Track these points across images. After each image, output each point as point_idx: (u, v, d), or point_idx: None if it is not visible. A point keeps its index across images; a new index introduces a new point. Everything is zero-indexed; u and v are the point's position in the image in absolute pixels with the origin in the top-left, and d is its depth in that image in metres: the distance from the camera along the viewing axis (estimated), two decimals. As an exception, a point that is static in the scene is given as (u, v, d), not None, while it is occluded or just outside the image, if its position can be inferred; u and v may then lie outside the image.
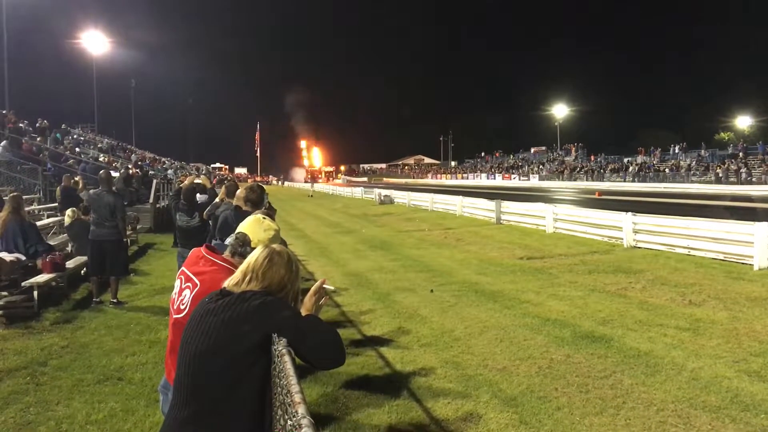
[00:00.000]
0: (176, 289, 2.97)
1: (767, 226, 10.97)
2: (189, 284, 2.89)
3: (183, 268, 3.00)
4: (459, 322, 7.91)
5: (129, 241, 13.98)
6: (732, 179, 47.45)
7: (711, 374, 5.76)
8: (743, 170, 48.22)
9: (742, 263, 11.33)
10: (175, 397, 2.25)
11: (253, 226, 2.99)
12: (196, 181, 11.37)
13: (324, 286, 2.47)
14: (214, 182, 14.00)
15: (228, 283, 2.34)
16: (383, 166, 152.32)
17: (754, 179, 45.91)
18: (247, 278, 2.30)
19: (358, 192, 50.28)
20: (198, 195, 9.25)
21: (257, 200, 5.27)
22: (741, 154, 53.74)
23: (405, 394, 5.49)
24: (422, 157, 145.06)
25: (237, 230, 3.02)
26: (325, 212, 32.41)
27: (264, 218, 3.07)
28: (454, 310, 8.59)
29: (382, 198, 38.23)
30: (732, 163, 51.37)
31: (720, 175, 49.42)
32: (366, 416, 5.02)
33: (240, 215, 4.87)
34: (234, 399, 2.10)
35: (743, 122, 77.21)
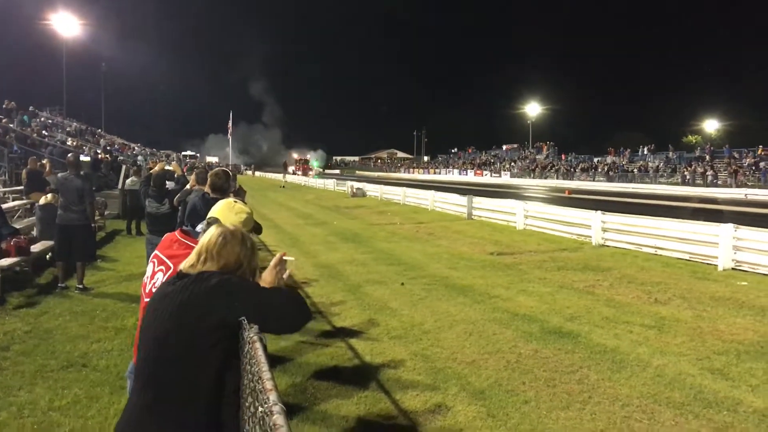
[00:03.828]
0: (149, 273, 2.93)
1: (731, 228, 11.19)
2: (162, 267, 2.84)
3: (156, 251, 2.96)
4: (429, 316, 7.93)
5: (97, 226, 13.76)
6: (698, 181, 48.30)
7: (675, 371, 5.87)
8: (709, 173, 49.14)
9: (707, 263, 11.55)
10: (135, 381, 2.22)
11: (224, 210, 2.96)
12: (167, 167, 11.22)
13: (284, 258, 2.44)
14: (184, 169, 13.83)
15: (184, 265, 2.31)
16: (356, 158, 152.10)
17: (719, 182, 46.82)
18: (202, 258, 2.28)
19: (330, 184, 50.13)
20: (168, 182, 9.13)
21: (223, 185, 5.21)
22: (707, 156, 54.73)
23: (374, 386, 5.49)
24: (395, 151, 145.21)
25: (208, 215, 2.98)
26: (297, 203, 32.24)
27: (235, 202, 3.05)
28: (424, 304, 8.61)
29: (355, 191, 38.16)
30: (699, 165, 52.30)
31: (687, 177, 50.29)
32: (334, 407, 5.01)
33: (207, 201, 4.82)
34: (192, 384, 2.07)
35: (711, 126, 78.66)
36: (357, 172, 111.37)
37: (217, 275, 2.19)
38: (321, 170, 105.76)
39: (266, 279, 2.38)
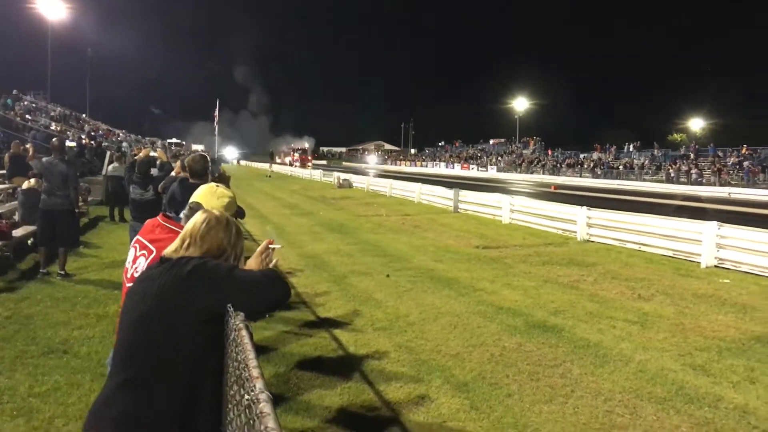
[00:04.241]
0: (130, 258, 2.89)
1: (715, 226, 11.29)
2: (144, 252, 2.81)
3: (138, 236, 2.92)
4: (414, 308, 7.93)
5: (80, 212, 13.62)
6: (683, 179, 48.65)
7: (657, 366, 5.90)
8: (694, 171, 49.50)
9: (690, 260, 11.64)
10: (113, 363, 2.20)
11: (206, 194, 2.93)
12: (152, 154, 11.12)
13: (271, 246, 2.42)
14: (169, 157, 13.72)
15: (167, 250, 2.30)
16: (343, 150, 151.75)
17: (703, 180, 47.19)
18: (186, 244, 2.27)
19: (317, 174, 50.01)
20: (153, 169, 9.05)
21: (201, 170, 5.15)
22: (692, 155, 55.11)
23: (357, 377, 5.48)
24: (383, 143, 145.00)
25: (190, 200, 2.95)
26: (283, 193, 32.13)
27: (217, 186, 3.02)
28: (410, 296, 8.61)
29: (341, 182, 38.11)
30: (683, 163, 52.68)
31: (671, 174, 50.64)
32: (318, 397, 4.99)
33: (186, 186, 4.76)
34: (170, 367, 2.05)
35: (696, 124, 79.25)
36: (344, 163, 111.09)
37: (195, 260, 2.17)
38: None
39: (252, 266, 2.37)
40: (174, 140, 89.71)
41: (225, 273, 2.16)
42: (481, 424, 4.60)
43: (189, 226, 2.33)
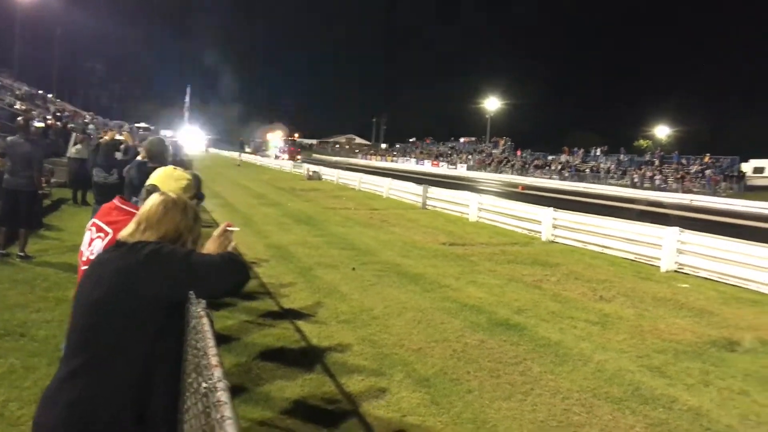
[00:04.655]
0: (86, 240, 2.84)
1: (676, 231, 11.52)
2: (101, 234, 2.76)
3: (94, 219, 2.87)
4: (379, 302, 7.94)
5: (43, 194, 13.33)
6: (647, 185, 49.54)
7: (615, 367, 6.01)
8: (658, 177, 50.50)
9: (651, 264, 11.87)
10: (66, 348, 2.16)
11: (163, 177, 2.89)
12: (118, 137, 10.93)
13: (228, 228, 2.39)
14: (136, 142, 13.49)
15: (123, 233, 2.25)
16: (314, 141, 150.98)
17: (667, 186, 48.11)
18: (142, 227, 2.22)
19: (287, 165, 49.74)
20: (117, 153, 8.90)
21: (158, 153, 5.08)
22: (657, 161, 56.17)
23: (319, 369, 5.48)
24: (354, 136, 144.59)
25: (147, 182, 2.91)
26: (252, 183, 31.89)
27: (175, 168, 2.98)
28: (375, 290, 8.62)
29: (311, 174, 37.99)
30: (648, 169, 53.65)
31: (636, 180, 51.54)
32: (278, 388, 4.97)
33: (144, 170, 4.69)
34: (123, 354, 2.02)
35: (662, 131, 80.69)
36: (314, 155, 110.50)
37: (151, 245, 2.14)
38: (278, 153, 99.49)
39: (210, 249, 2.32)
40: (142, 124, 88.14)
41: (182, 257, 2.13)
42: (441, 419, 4.63)
43: (145, 208, 2.28)
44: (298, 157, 74.16)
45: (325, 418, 4.54)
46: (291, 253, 11.22)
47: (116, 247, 2.21)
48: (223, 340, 5.82)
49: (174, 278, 2.07)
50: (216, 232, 2.37)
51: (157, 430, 2.03)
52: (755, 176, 50.77)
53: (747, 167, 52.16)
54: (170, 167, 3.01)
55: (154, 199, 2.30)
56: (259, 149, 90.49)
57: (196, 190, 3.10)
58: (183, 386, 1.94)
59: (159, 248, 2.13)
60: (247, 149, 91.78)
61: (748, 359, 6.50)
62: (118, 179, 7.74)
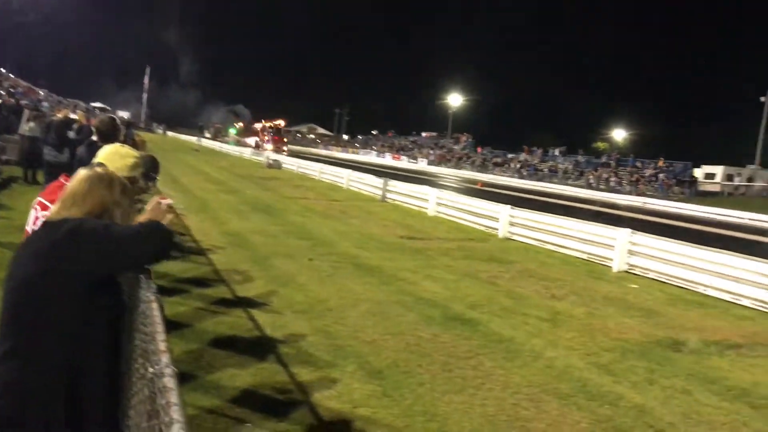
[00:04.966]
0: (31, 219, 2.76)
1: (628, 233, 11.77)
2: (46, 213, 2.69)
3: (39, 197, 2.80)
4: (334, 293, 7.92)
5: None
6: (602, 186, 50.57)
7: (564, 364, 6.12)
8: (613, 179, 51.59)
9: (603, 264, 12.10)
10: None
11: (109, 154, 2.83)
12: (72, 116, 10.65)
13: (162, 201, 2.34)
14: (91, 121, 13.17)
15: (50, 213, 2.21)
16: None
17: (622, 189, 49.19)
18: (68, 204, 2.18)
19: (246, 153, 49.21)
20: (70, 132, 8.66)
21: (107, 131, 4.98)
22: (613, 163, 57.37)
23: (272, 358, 5.44)
24: (315, 126, 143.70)
25: (94, 160, 2.84)
26: (211, 169, 31.46)
27: (122, 146, 2.93)
28: (331, 281, 8.60)
29: (271, 162, 37.70)
30: (604, 171, 54.77)
31: (591, 181, 52.58)
32: (230, 377, 4.92)
33: (93, 149, 4.60)
34: (49, 335, 1.97)
35: (619, 134, 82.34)
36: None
37: (73, 221, 2.08)
38: (238, 138, 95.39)
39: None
40: (98, 104, 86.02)
41: (101, 230, 2.07)
42: (392, 411, 4.64)
43: (70, 185, 2.23)
44: (285, 148, 61.54)
45: (275, 407, 4.51)
46: (248, 241, 11.12)
47: (42, 226, 2.16)
48: (174, 326, 5.72)
49: (95, 252, 2.01)
50: (148, 206, 2.32)
51: (92, 415, 1.98)
52: (706, 182, 52.45)
53: (699, 173, 53.84)
54: (117, 145, 2.95)
55: (79, 174, 2.25)
56: (219, 134, 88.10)
57: (148, 170, 3.04)
58: (130, 370, 1.90)
59: (80, 224, 2.07)
60: (207, 134, 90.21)
61: (692, 359, 6.68)
62: (69, 158, 7.56)
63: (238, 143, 69.15)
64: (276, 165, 37.15)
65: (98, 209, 2.18)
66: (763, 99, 51.16)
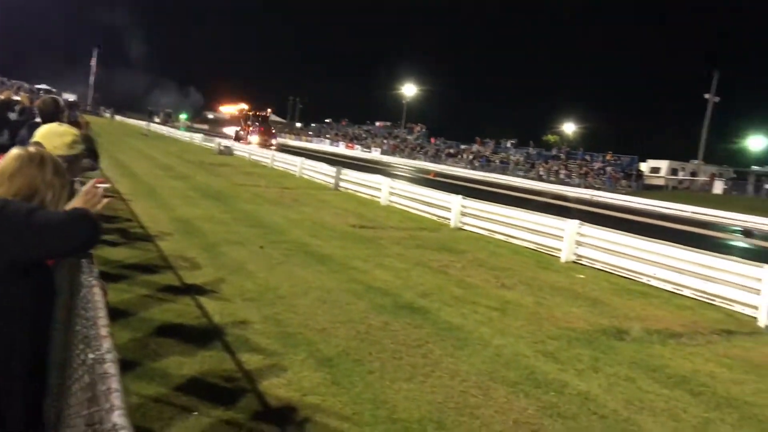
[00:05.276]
0: None
1: (576, 224, 12.01)
2: None
3: None
4: (285, 281, 7.86)
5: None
6: (552, 179, 51.54)
7: (512, 352, 6.21)
8: (563, 172, 52.61)
9: (552, 255, 12.32)
10: None
11: (47, 132, 2.73)
12: (14, 97, 10.25)
13: (98, 185, 2.25)
14: (36, 103, 12.71)
15: None
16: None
17: (571, 181, 50.21)
18: None
19: (197, 138, 48.35)
20: (12, 113, 8.33)
21: (49, 112, 4.84)
22: (563, 156, 58.49)
23: (220, 346, 5.36)
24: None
25: (31, 139, 2.74)
26: (159, 154, 30.81)
27: (60, 124, 2.83)
28: (282, 268, 8.53)
29: (222, 148, 37.16)
30: (554, 164, 55.80)
31: (542, 173, 53.52)
32: (176, 364, 4.83)
33: (34, 130, 4.46)
34: None
35: (569, 128, 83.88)
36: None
37: None
38: (189, 124, 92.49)
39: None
40: (43, 86, 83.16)
41: (24, 215, 1.96)
42: (341, 399, 4.64)
43: (0, 164, 2.13)
44: (274, 143, 51.31)
45: (223, 395, 4.45)
46: (197, 228, 10.94)
47: None
48: (119, 314, 5.59)
49: (16, 237, 1.91)
50: (83, 189, 2.21)
51: (9, 405, 1.89)
52: (652, 175, 54.01)
53: (645, 167, 55.34)
54: (55, 123, 2.84)
55: (10, 153, 2.15)
56: (169, 120, 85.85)
57: (87, 149, 2.93)
58: (70, 357, 1.84)
59: (3, 206, 1.97)
60: (156, 119, 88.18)
61: (635, 348, 6.87)
62: (10, 140, 7.27)
63: (189, 129, 66.57)
64: (227, 151, 36.64)
65: (26, 190, 2.08)
66: (707, 96, 52.71)
